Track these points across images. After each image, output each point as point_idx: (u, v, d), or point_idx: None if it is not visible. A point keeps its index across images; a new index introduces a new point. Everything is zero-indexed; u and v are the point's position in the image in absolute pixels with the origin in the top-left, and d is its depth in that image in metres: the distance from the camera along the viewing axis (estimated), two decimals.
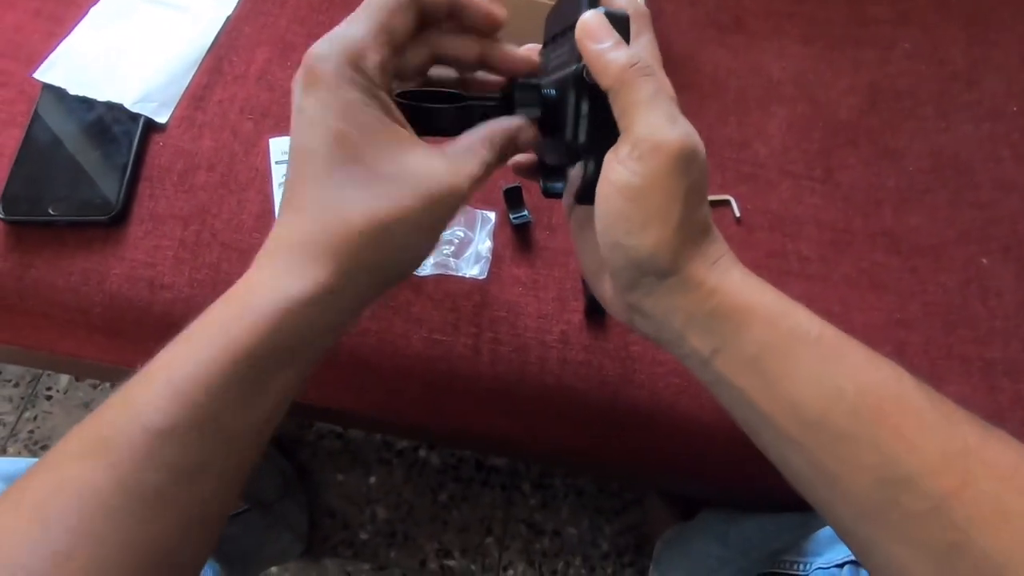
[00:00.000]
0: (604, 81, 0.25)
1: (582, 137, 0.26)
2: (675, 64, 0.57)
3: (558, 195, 0.32)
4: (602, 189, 0.25)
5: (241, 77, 0.50)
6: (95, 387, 0.84)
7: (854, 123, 0.55)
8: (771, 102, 0.56)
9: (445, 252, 0.44)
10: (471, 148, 0.26)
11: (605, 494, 0.83)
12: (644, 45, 0.26)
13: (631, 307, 0.28)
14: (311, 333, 0.24)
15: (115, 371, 0.48)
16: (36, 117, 0.45)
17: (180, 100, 0.48)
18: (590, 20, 0.25)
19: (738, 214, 0.49)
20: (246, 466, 0.25)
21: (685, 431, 0.43)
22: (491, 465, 0.83)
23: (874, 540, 0.23)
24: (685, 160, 0.24)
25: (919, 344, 0.46)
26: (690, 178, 0.24)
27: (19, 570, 0.20)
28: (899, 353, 0.45)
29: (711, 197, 0.50)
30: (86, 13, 0.51)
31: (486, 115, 0.27)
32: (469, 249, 0.44)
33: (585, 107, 0.26)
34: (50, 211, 0.42)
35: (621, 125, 0.25)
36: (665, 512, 0.77)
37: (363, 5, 0.25)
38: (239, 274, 0.25)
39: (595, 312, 0.43)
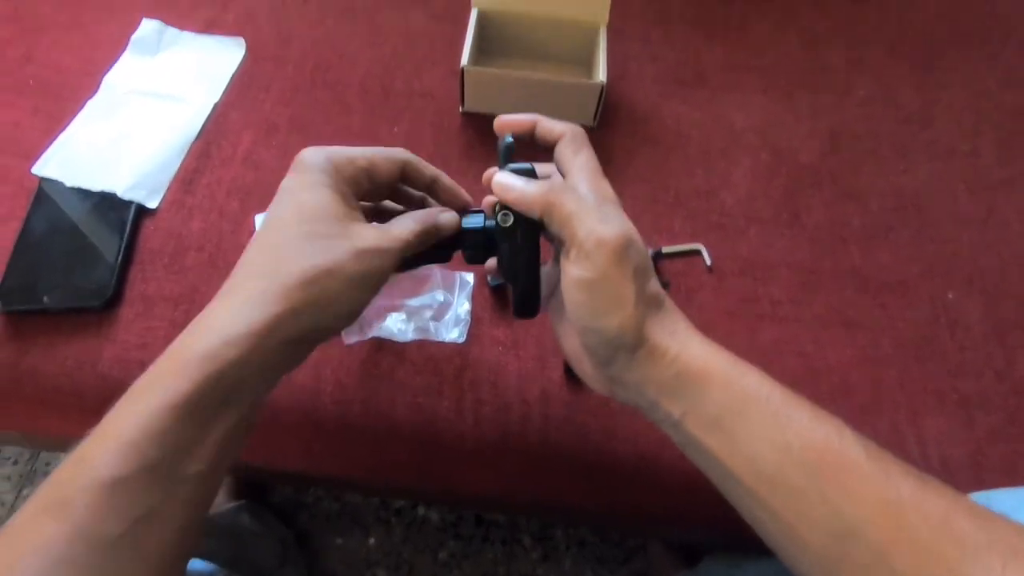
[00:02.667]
0: (534, 214, 0.29)
1: (507, 268, 0.32)
2: (640, 119, 0.59)
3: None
4: (565, 286, 0.29)
5: (228, 160, 0.53)
6: None
7: (816, 167, 0.57)
8: (735, 151, 0.58)
9: (426, 316, 0.46)
10: (401, 222, 0.32)
11: (607, 543, 0.82)
12: (584, 161, 0.31)
13: (611, 380, 0.31)
14: (246, 374, 0.26)
15: None
16: (33, 209, 0.48)
17: (170, 185, 0.51)
18: (500, 179, 0.30)
19: (709, 262, 0.51)
20: (198, 511, 0.27)
21: (670, 482, 0.43)
22: (491, 520, 0.83)
23: None
24: (624, 249, 0.27)
25: (894, 380, 0.46)
26: (633, 262, 0.28)
27: None
28: (875, 390, 0.46)
29: (684, 247, 0.51)
30: (82, 107, 0.54)
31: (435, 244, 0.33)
32: (449, 312, 0.46)
33: (505, 248, 0.32)
34: (45, 300, 0.43)
35: (564, 235, 0.28)
36: (669, 559, 0.76)
37: (369, 147, 0.33)
38: None
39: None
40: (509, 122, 0.34)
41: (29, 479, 0.82)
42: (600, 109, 0.56)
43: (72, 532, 0.23)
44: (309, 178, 0.30)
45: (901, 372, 0.47)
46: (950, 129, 0.58)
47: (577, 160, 0.31)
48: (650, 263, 0.29)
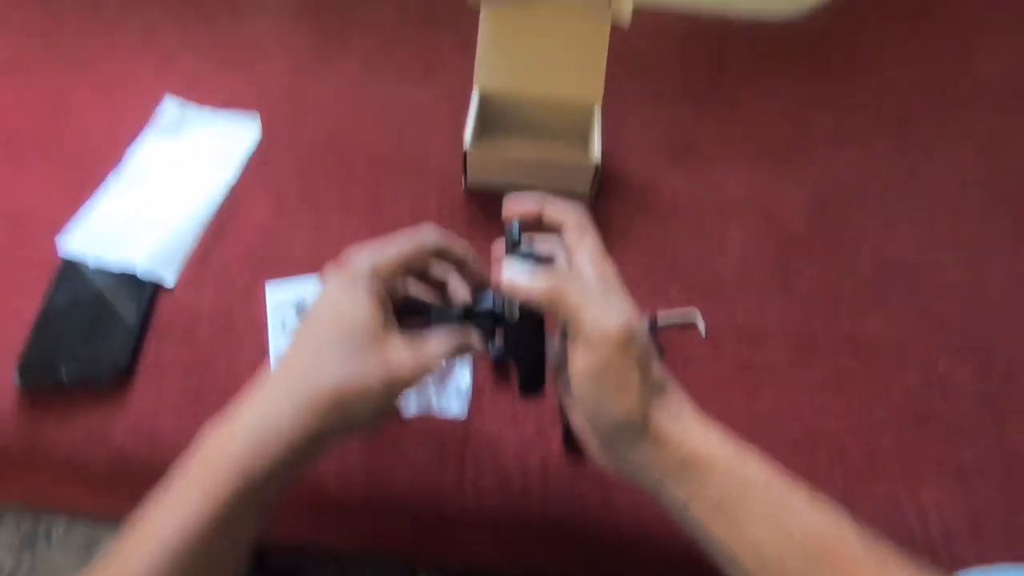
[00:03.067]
0: (542, 306, 0.30)
1: (513, 351, 0.35)
2: (636, 190, 0.62)
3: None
4: (572, 373, 0.30)
5: (242, 231, 0.56)
6: (94, 528, 0.84)
7: (806, 233, 0.60)
8: (727, 219, 0.60)
9: (428, 384, 0.47)
10: (433, 349, 0.33)
11: None
12: (589, 245, 0.33)
13: (616, 460, 0.32)
14: (276, 476, 0.29)
15: (111, 521, 0.50)
16: (56, 284, 0.50)
17: (187, 259, 0.53)
18: (507, 275, 0.31)
19: (704, 331, 0.52)
20: None
21: (669, 554, 0.43)
22: None
23: None
24: (627, 339, 0.28)
25: (891, 447, 0.47)
26: (637, 350, 0.29)
27: None
28: (873, 457, 0.46)
29: (680, 314, 0.53)
30: (105, 181, 0.57)
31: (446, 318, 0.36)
32: (451, 383, 0.47)
33: (511, 334, 0.34)
34: (62, 374, 0.45)
35: (570, 325, 0.30)
36: None
37: (404, 236, 0.34)
38: None
39: (573, 440, 0.45)
40: (517, 208, 0.36)
41: (30, 544, 0.82)
42: (597, 183, 0.58)
43: None
44: (353, 287, 0.32)
45: (898, 439, 0.47)
46: (932, 196, 0.61)
47: (582, 244, 0.33)
48: (652, 348, 0.30)
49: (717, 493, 0.28)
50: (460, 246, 0.36)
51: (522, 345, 0.33)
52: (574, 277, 0.31)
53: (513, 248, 0.34)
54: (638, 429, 0.29)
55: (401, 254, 0.33)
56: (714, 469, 0.28)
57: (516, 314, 0.33)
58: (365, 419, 0.31)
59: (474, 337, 0.35)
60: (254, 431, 0.28)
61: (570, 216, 0.34)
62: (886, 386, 0.50)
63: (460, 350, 0.34)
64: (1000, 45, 0.67)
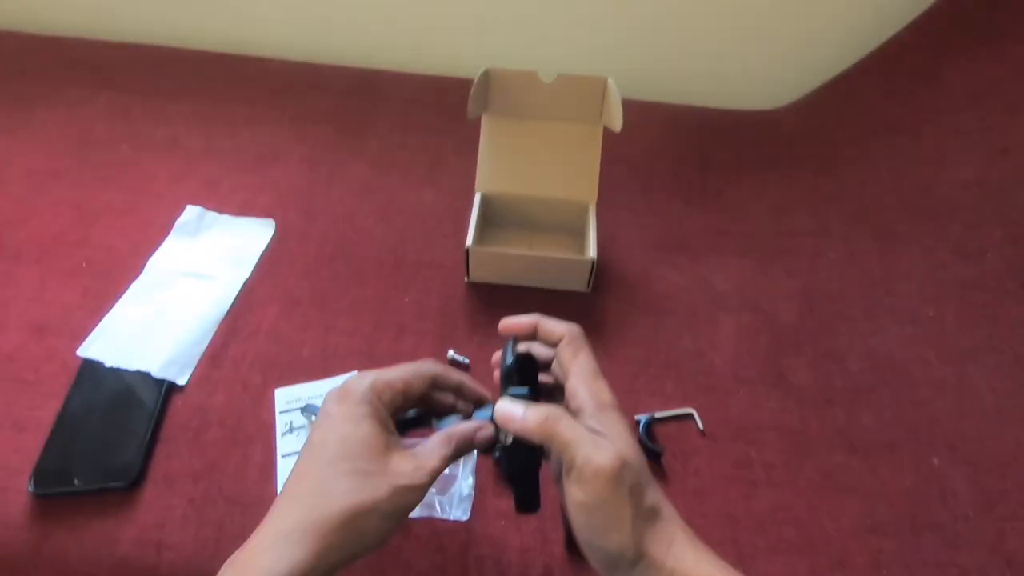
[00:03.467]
0: (535, 440, 0.32)
1: (508, 474, 0.37)
2: (631, 284, 0.65)
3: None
4: (568, 506, 0.31)
5: (253, 333, 0.58)
6: None
7: (795, 326, 0.62)
8: (719, 312, 0.63)
9: (431, 490, 0.48)
10: (435, 448, 0.34)
11: None
12: (582, 363, 0.35)
13: None
14: None
15: None
16: (74, 389, 0.52)
17: (200, 360, 0.55)
18: (501, 409, 0.34)
19: (701, 427, 0.54)
20: None
21: None
22: None
23: None
24: (618, 475, 0.30)
25: (893, 552, 0.47)
26: (628, 483, 0.30)
27: None
28: (875, 564, 0.46)
29: (676, 412, 0.54)
30: (127, 288, 0.60)
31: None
32: (453, 487, 0.48)
33: (506, 459, 0.35)
34: (76, 481, 0.46)
35: (565, 460, 0.31)
36: None
37: (403, 366, 0.36)
38: (241, 530, 0.30)
39: (575, 544, 0.46)
40: (513, 325, 0.38)
41: None
42: (593, 277, 0.61)
43: None
44: (353, 409, 0.33)
45: (899, 544, 0.47)
46: (913, 295, 0.63)
47: (576, 362, 0.35)
48: (647, 476, 0.31)
49: None
50: (456, 374, 0.38)
51: (517, 468, 0.35)
52: (564, 413, 0.32)
53: (507, 371, 0.36)
54: (631, 560, 0.30)
55: (399, 376, 0.35)
56: None
57: (510, 439, 0.34)
58: (378, 537, 0.31)
59: (481, 434, 0.35)
60: (268, 571, 0.29)
61: (564, 333, 0.36)
62: (884, 487, 0.50)
63: (462, 446, 0.35)
64: (964, 162, 0.70)
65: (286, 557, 0.29)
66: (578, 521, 0.31)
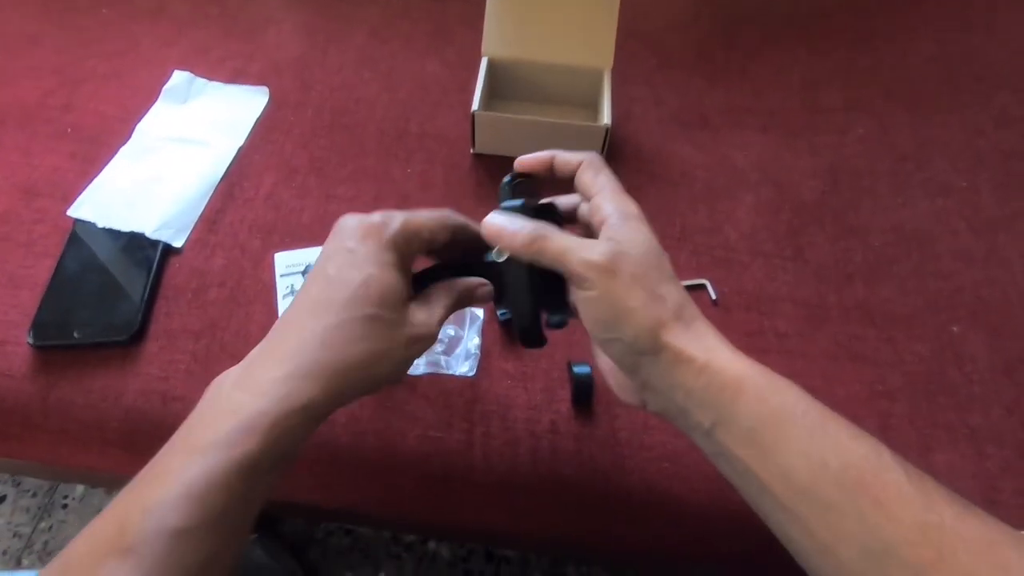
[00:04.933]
0: (524, 259, 0.31)
1: (507, 301, 0.34)
2: (646, 159, 0.62)
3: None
4: (578, 307, 0.30)
5: (250, 200, 0.56)
6: (109, 494, 0.85)
7: (818, 203, 0.59)
8: (737, 189, 0.60)
9: (437, 351, 0.47)
10: (439, 298, 0.33)
11: None
12: (604, 181, 0.32)
13: (642, 387, 0.31)
14: (299, 438, 0.29)
15: (128, 480, 0.50)
16: (68, 248, 0.50)
17: (196, 224, 0.53)
18: (489, 222, 0.32)
19: (714, 296, 0.52)
20: (240, 553, 0.29)
21: (679, 514, 0.43)
22: (502, 556, 0.82)
23: None
24: (611, 263, 0.29)
25: (904, 415, 0.46)
26: (629, 271, 0.29)
27: None
28: (884, 425, 0.46)
29: (687, 282, 0.53)
30: (115, 153, 0.57)
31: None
32: (459, 347, 0.47)
33: (502, 282, 0.34)
34: (75, 335, 0.45)
35: (564, 272, 0.30)
36: None
37: (429, 213, 0.33)
38: None
39: (582, 400, 0.45)
40: (527, 161, 0.35)
41: (47, 511, 0.83)
42: (606, 149, 0.58)
43: None
44: (381, 254, 0.31)
45: (911, 407, 0.47)
46: (947, 167, 0.60)
47: (598, 181, 0.32)
48: (665, 268, 0.30)
49: (747, 421, 0.27)
50: (476, 226, 0.35)
51: (513, 291, 0.33)
52: (553, 228, 0.31)
53: (504, 188, 0.34)
54: (651, 348, 0.28)
55: (427, 224, 0.33)
56: (744, 395, 0.27)
57: (504, 255, 0.32)
58: (388, 380, 0.31)
59: (476, 283, 0.34)
60: (284, 399, 0.28)
61: (583, 158, 0.33)
62: (900, 355, 0.49)
63: (463, 296, 0.34)
64: (1010, 27, 0.65)
65: (304, 392, 0.28)
66: (589, 320, 0.30)
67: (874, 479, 0.25)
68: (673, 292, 0.30)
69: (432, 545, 0.82)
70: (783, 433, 0.27)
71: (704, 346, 0.29)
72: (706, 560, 0.50)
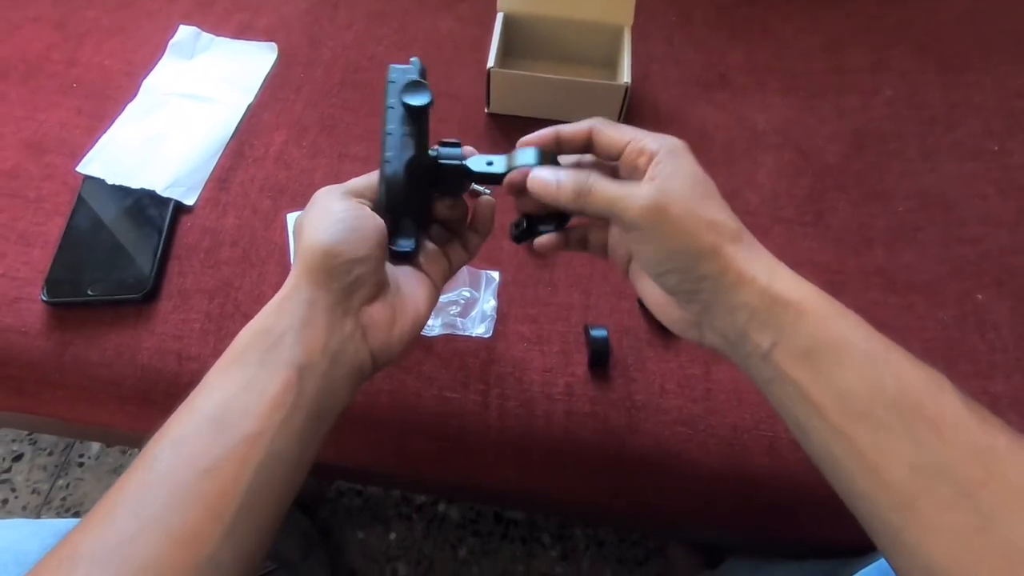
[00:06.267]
0: (569, 209, 0.32)
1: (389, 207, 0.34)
2: (665, 120, 0.60)
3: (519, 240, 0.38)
4: (633, 250, 0.33)
5: (261, 159, 0.55)
6: (124, 452, 0.86)
7: (841, 167, 0.57)
8: (758, 152, 0.58)
9: (452, 312, 0.47)
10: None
11: (627, 543, 0.81)
12: (629, 129, 0.32)
13: (702, 313, 0.30)
14: (300, 318, 0.30)
15: (144, 438, 0.51)
16: (78, 206, 0.50)
17: (206, 183, 0.52)
18: (536, 176, 0.32)
19: None
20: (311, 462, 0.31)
21: (693, 478, 0.43)
22: (510, 518, 0.83)
23: (905, 528, 0.24)
24: (662, 205, 0.29)
25: None
26: (677, 208, 0.29)
27: None
28: None
29: None
30: (123, 109, 0.56)
31: None
32: (475, 309, 0.46)
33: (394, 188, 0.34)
34: (88, 292, 0.45)
35: (614, 221, 0.31)
36: (689, 562, 0.75)
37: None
38: None
39: (598, 363, 0.45)
40: (532, 139, 0.34)
41: (64, 469, 0.85)
42: (625, 109, 0.56)
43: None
44: (335, 199, 0.33)
45: None
46: (978, 130, 0.58)
47: (623, 131, 0.32)
48: (714, 195, 0.30)
49: (806, 341, 0.27)
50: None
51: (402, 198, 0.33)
52: (592, 173, 0.31)
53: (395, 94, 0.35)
54: (714, 271, 0.28)
55: (366, 183, 0.35)
56: (806, 315, 0.27)
57: (525, 223, 0.33)
58: (366, 279, 0.31)
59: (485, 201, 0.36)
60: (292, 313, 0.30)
61: (591, 125, 0.33)
62: (920, 321, 0.49)
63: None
64: None
65: (291, 280, 0.31)
66: (645, 262, 0.30)
67: (932, 403, 0.25)
68: (727, 218, 0.30)
69: (442, 507, 0.84)
70: (842, 356, 0.26)
71: (766, 267, 0.29)
72: (716, 523, 0.50)
